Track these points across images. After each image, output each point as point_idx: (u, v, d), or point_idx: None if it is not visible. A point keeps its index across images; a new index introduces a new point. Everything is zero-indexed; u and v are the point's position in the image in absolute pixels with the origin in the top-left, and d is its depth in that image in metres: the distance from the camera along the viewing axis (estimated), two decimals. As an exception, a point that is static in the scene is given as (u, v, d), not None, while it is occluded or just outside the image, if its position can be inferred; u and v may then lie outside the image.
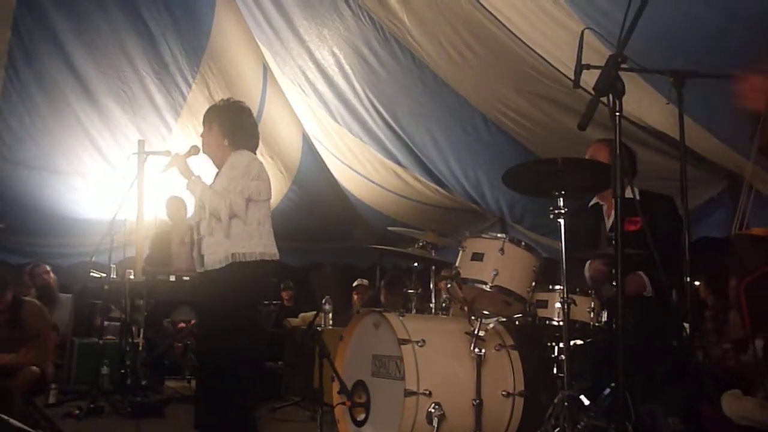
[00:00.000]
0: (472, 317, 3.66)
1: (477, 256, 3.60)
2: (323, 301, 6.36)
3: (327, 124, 7.21)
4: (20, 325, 5.99)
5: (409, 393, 3.49)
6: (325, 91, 6.67)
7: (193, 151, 4.12)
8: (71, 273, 7.97)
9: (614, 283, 2.52)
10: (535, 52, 4.61)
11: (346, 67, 6.17)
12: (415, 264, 4.53)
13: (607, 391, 3.56)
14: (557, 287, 3.64)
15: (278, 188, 8.05)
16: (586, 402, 3.47)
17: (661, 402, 3.64)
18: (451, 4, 4.75)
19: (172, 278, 6.10)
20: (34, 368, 5.78)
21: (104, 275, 6.22)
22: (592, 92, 2.48)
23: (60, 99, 6.93)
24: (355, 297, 8.41)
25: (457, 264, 3.69)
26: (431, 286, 4.55)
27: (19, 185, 7.49)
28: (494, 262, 3.54)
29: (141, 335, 6.36)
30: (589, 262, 4.07)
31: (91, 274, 6.41)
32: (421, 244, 4.46)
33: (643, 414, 3.56)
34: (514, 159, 5.15)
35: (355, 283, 8.57)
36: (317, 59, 6.31)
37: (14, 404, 4.42)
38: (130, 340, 6.02)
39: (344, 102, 6.65)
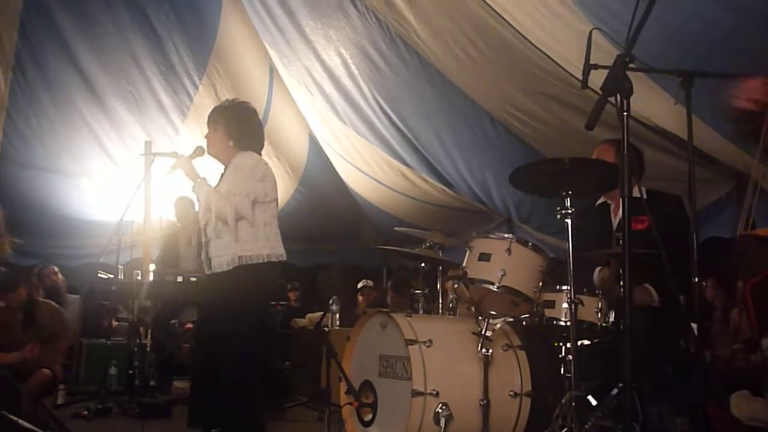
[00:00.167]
0: (479, 317, 3.65)
1: (484, 257, 3.60)
2: (330, 302, 6.37)
3: (333, 124, 7.22)
4: (35, 326, 6.01)
5: (416, 393, 3.48)
6: (332, 92, 6.67)
7: (198, 152, 4.09)
8: (79, 274, 8.00)
9: (621, 284, 2.51)
10: (542, 51, 4.60)
11: (353, 67, 6.17)
12: (422, 264, 4.54)
13: (615, 391, 3.54)
14: (564, 287, 3.63)
15: (285, 189, 8.05)
16: (594, 402, 3.46)
17: (668, 402, 3.62)
18: (458, 3, 4.74)
19: (180, 279, 6.12)
20: (46, 371, 5.80)
21: (112, 276, 6.24)
22: (600, 92, 2.48)
23: (67, 100, 6.95)
24: (360, 298, 8.41)
25: (464, 264, 3.68)
26: (438, 286, 4.55)
27: (27, 186, 7.51)
28: (501, 262, 3.54)
29: (149, 336, 6.38)
30: (598, 269, 4.06)
31: (99, 275, 6.43)
32: (428, 244, 4.46)
33: (651, 414, 3.55)
34: (521, 159, 5.13)
35: (360, 284, 8.57)
36: (323, 60, 6.32)
37: (23, 405, 4.44)
38: (138, 341, 6.04)
39: (351, 102, 6.65)
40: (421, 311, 4.34)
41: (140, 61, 6.82)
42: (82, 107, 7.05)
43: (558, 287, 3.76)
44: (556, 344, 3.75)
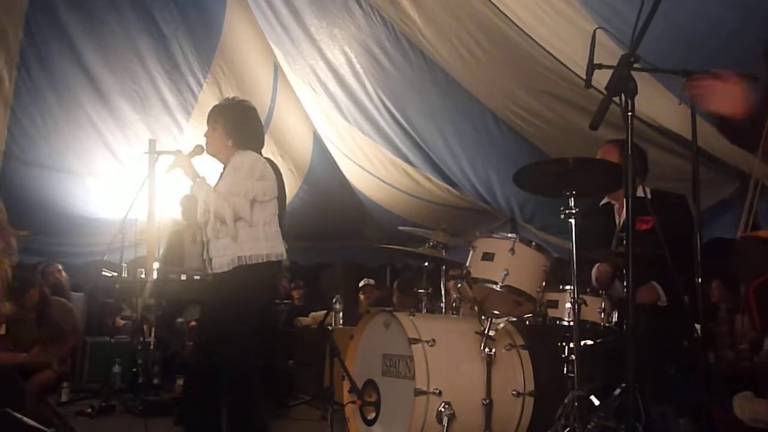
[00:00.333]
0: (483, 317, 3.65)
1: (487, 256, 3.60)
2: (334, 301, 6.38)
3: (338, 123, 7.22)
4: (48, 323, 6.05)
5: (419, 392, 3.49)
6: (336, 91, 6.67)
7: (198, 150, 4.07)
8: (83, 272, 8.01)
9: (624, 284, 2.51)
10: (546, 51, 4.60)
11: (357, 66, 6.17)
12: (426, 264, 4.53)
13: (618, 391, 3.55)
14: (568, 287, 3.64)
15: (289, 187, 8.02)
16: (597, 402, 3.47)
17: (672, 403, 3.62)
18: (462, 2, 4.74)
19: (183, 277, 6.13)
20: (49, 369, 5.82)
21: (116, 274, 6.25)
22: (604, 92, 2.47)
23: (71, 99, 6.96)
24: (362, 297, 8.41)
25: (467, 264, 3.69)
26: (441, 285, 4.55)
27: (31, 185, 7.52)
28: (505, 261, 3.54)
29: (152, 334, 6.39)
30: (596, 266, 4.06)
31: (103, 273, 6.44)
32: (431, 243, 4.46)
33: (654, 415, 3.55)
34: (525, 158, 5.14)
35: (361, 283, 8.57)
36: (328, 58, 6.32)
37: (27, 402, 4.45)
38: (141, 339, 6.05)
39: (355, 101, 6.65)
40: (424, 310, 4.34)
41: (145, 59, 6.83)
42: (87, 106, 7.05)
43: (561, 287, 3.76)
44: (559, 344, 3.75)
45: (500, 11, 4.51)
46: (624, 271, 3.59)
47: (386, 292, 8.55)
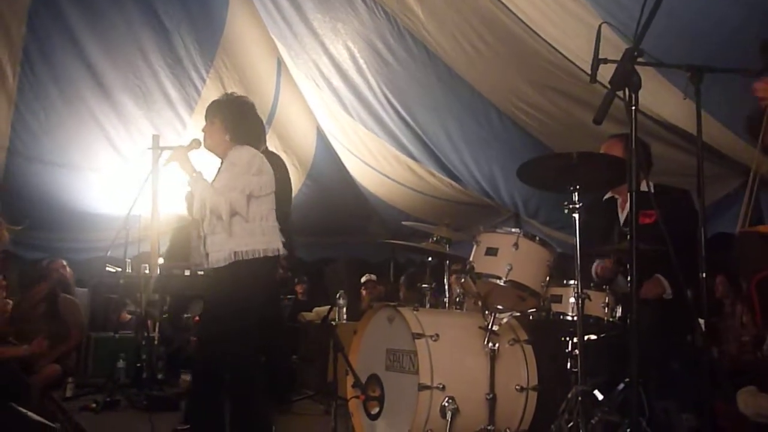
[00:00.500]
0: (486, 312, 3.66)
1: (491, 251, 3.60)
2: (337, 296, 6.38)
3: (341, 118, 7.21)
4: (56, 319, 6.08)
5: (422, 387, 3.49)
6: (339, 86, 6.67)
7: (194, 144, 4.07)
8: (87, 268, 8.01)
9: (628, 279, 2.51)
10: (550, 45, 4.59)
11: (360, 61, 6.17)
12: (429, 259, 4.53)
13: (621, 386, 3.55)
14: (571, 282, 3.64)
15: (292, 183, 8.04)
16: (600, 397, 3.47)
17: (675, 398, 3.62)
18: (465, -3, 4.74)
19: (187, 273, 6.13)
20: (54, 364, 5.85)
21: (120, 270, 6.26)
22: (609, 86, 2.47)
23: (74, 94, 6.96)
24: (364, 292, 8.41)
25: (471, 259, 3.69)
26: (445, 280, 4.55)
27: (35, 180, 7.53)
28: (508, 256, 3.54)
29: (157, 329, 6.40)
30: (596, 261, 4.06)
31: (107, 268, 6.44)
32: (435, 238, 4.46)
33: (657, 410, 3.55)
34: (528, 153, 5.13)
35: (363, 279, 8.57)
36: (331, 53, 6.31)
37: (32, 398, 4.48)
38: (146, 334, 6.06)
39: (358, 96, 6.64)
40: (427, 305, 4.34)
41: (148, 54, 6.82)
42: (90, 101, 7.05)
43: (565, 282, 3.77)
44: (562, 339, 3.76)
45: (504, 5, 4.50)
46: (627, 266, 3.59)
47: (389, 288, 8.57)
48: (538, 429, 3.73)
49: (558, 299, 3.77)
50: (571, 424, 3.29)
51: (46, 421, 3.91)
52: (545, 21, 4.41)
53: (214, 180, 3.95)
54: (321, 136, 7.90)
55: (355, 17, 5.70)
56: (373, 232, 9.29)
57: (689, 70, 3.02)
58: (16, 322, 5.78)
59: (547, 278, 3.62)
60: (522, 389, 3.74)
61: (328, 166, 8.23)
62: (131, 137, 7.44)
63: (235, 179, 3.82)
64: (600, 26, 2.88)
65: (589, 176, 3.46)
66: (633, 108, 2.45)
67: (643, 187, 3.07)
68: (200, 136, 4.10)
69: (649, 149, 4.13)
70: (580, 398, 3.30)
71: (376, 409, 3.86)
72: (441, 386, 3.51)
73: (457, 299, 4.42)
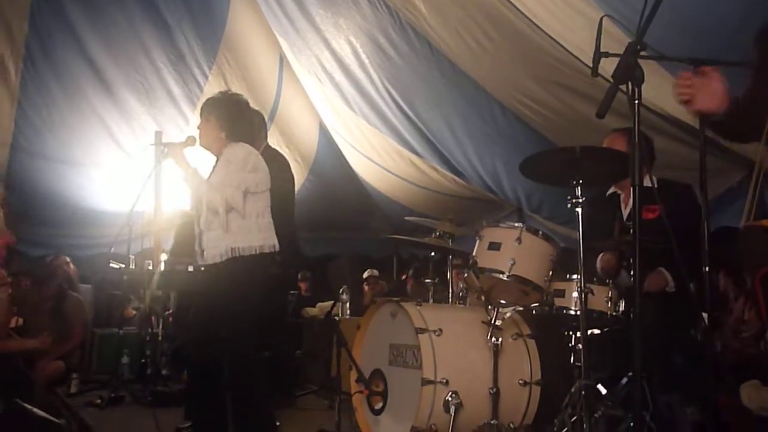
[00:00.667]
0: (489, 306, 3.65)
1: (494, 246, 3.60)
2: (341, 291, 6.39)
3: (343, 113, 7.21)
4: (61, 317, 6.09)
5: (426, 382, 3.50)
6: (342, 81, 6.66)
7: (190, 141, 4.07)
8: (90, 264, 8.04)
9: (632, 273, 2.51)
10: (553, 39, 4.58)
11: (363, 56, 6.16)
12: (432, 254, 4.53)
13: (625, 380, 3.55)
14: (574, 276, 3.64)
15: (295, 178, 8.05)
16: (603, 391, 3.47)
17: (678, 392, 3.62)
18: (468, -8, 4.73)
19: (190, 269, 6.14)
20: (59, 362, 5.87)
21: (123, 266, 6.27)
22: (611, 80, 2.46)
23: (77, 91, 6.96)
24: (366, 288, 8.41)
25: (474, 253, 3.69)
26: (448, 275, 4.55)
27: (37, 177, 7.54)
28: (511, 251, 3.53)
29: (160, 325, 6.41)
30: (600, 255, 4.06)
31: (111, 265, 6.46)
32: (438, 233, 4.46)
33: (661, 404, 3.55)
34: (531, 148, 5.11)
35: (365, 274, 8.57)
36: (333, 48, 6.30)
37: (36, 393, 4.48)
38: (150, 330, 6.08)
39: (361, 91, 6.64)
40: (431, 300, 4.34)
41: (150, 50, 6.82)
42: (92, 97, 7.06)
43: (568, 276, 3.76)
44: (566, 333, 3.76)
45: (507, 0, 4.49)
46: (630, 261, 3.59)
47: (392, 285, 8.57)
48: (541, 423, 3.73)
49: (561, 294, 3.76)
50: (575, 418, 3.30)
51: (51, 417, 3.92)
52: (549, 16, 4.41)
53: (209, 176, 3.96)
54: (323, 132, 7.89)
55: (357, 12, 5.70)
56: (375, 228, 9.29)
57: (692, 63, 3.01)
58: (24, 312, 5.78)
59: (550, 273, 3.62)
60: (525, 384, 3.74)
61: (330, 162, 8.23)
62: (134, 133, 7.45)
63: (230, 176, 3.82)
64: (601, 19, 2.87)
65: (592, 170, 3.45)
66: (636, 102, 2.44)
67: (647, 182, 3.07)
68: (195, 133, 4.11)
69: (652, 143, 4.13)
70: (583, 392, 3.30)
71: (380, 404, 3.86)
72: (444, 381, 3.51)
73: (460, 294, 4.42)
